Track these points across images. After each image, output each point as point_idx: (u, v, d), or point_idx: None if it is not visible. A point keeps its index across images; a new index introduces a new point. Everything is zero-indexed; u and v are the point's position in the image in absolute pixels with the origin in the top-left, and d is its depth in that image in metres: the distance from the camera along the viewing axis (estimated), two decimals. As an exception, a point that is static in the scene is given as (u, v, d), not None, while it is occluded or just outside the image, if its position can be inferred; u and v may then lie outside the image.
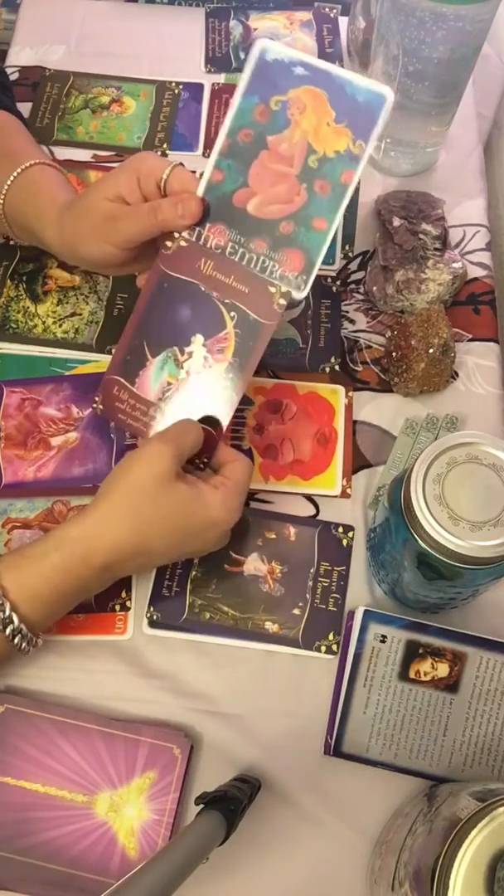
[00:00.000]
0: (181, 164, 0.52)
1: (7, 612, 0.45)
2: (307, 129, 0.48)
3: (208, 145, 0.75)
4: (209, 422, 0.53)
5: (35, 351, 0.65)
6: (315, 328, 0.66)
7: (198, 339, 0.53)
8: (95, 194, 0.53)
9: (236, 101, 0.49)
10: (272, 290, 0.51)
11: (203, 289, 0.52)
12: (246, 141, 0.49)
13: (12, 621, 0.45)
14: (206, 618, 0.55)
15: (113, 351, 0.57)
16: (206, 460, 0.53)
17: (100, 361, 0.64)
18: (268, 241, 0.50)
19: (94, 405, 0.57)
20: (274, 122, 0.48)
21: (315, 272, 0.50)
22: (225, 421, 0.53)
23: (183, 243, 0.52)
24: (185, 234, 0.52)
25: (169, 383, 0.54)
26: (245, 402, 0.62)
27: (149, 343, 0.55)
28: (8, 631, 0.45)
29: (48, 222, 0.56)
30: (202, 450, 0.52)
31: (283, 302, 0.51)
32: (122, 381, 0.55)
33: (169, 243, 0.52)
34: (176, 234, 0.52)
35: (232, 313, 0.52)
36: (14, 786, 0.50)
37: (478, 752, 0.51)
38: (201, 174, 0.76)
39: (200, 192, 0.51)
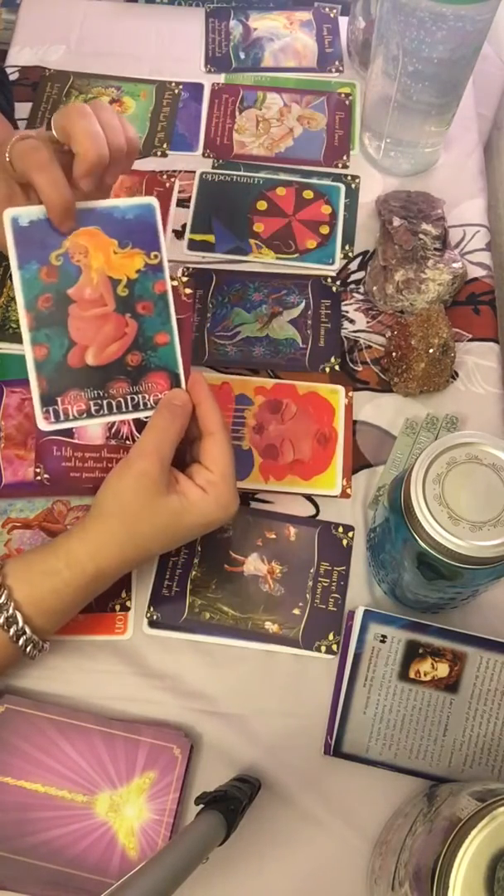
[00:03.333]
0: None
1: (21, 625, 0.46)
2: (100, 266, 0.48)
3: (208, 145, 0.75)
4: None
5: (35, 351, 0.64)
6: (315, 328, 0.66)
7: None
8: None
9: (16, 275, 0.47)
10: None
11: None
12: (48, 306, 0.48)
13: (25, 632, 0.46)
14: (206, 618, 0.55)
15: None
16: None
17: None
18: (125, 379, 0.50)
19: (38, 477, 0.57)
20: (65, 275, 0.48)
21: (183, 377, 0.51)
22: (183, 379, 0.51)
23: None
24: (42, 420, 0.49)
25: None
26: (245, 401, 0.62)
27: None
28: (21, 642, 0.46)
29: None
30: None
31: None
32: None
33: None
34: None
35: None
36: (14, 786, 0.50)
37: (478, 752, 0.51)
38: (198, 178, 0.74)
39: (31, 373, 0.49)
